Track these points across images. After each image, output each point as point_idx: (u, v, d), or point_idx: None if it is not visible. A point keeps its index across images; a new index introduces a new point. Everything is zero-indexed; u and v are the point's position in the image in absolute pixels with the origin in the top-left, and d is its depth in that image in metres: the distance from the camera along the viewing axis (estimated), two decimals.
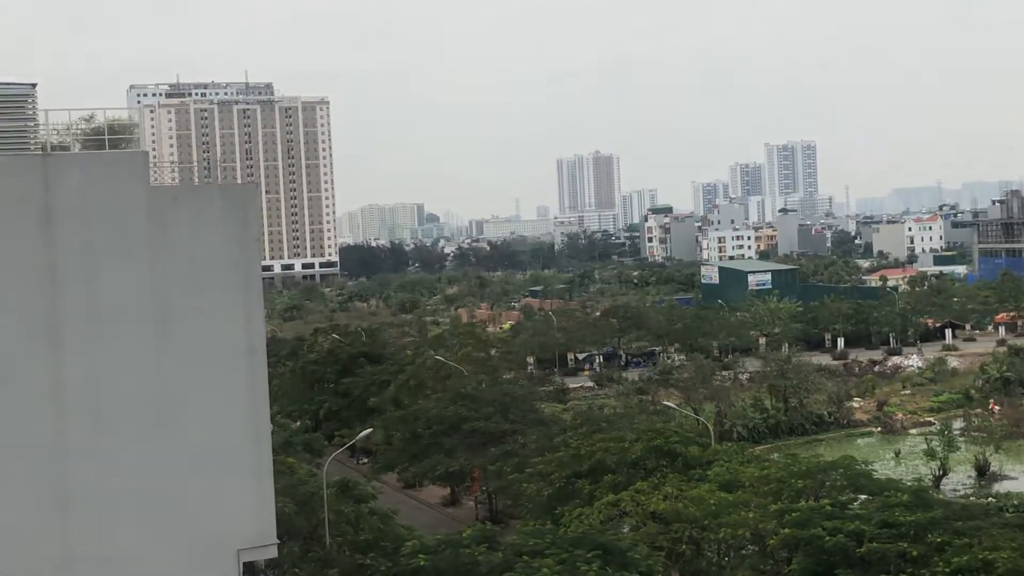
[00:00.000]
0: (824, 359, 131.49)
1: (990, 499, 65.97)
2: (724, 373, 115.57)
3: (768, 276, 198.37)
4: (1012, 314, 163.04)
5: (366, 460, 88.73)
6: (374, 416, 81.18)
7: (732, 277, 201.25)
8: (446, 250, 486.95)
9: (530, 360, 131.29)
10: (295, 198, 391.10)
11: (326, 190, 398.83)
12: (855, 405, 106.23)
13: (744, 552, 52.61)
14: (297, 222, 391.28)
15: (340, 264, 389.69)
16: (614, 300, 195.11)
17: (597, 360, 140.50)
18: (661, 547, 48.83)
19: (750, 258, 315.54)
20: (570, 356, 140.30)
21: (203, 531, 33.04)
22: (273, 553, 35.72)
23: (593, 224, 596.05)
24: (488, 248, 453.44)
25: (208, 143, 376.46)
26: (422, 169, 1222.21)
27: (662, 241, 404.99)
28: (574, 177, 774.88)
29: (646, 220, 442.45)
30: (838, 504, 47.24)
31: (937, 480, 75.57)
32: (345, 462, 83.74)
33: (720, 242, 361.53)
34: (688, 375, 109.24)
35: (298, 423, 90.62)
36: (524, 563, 34.48)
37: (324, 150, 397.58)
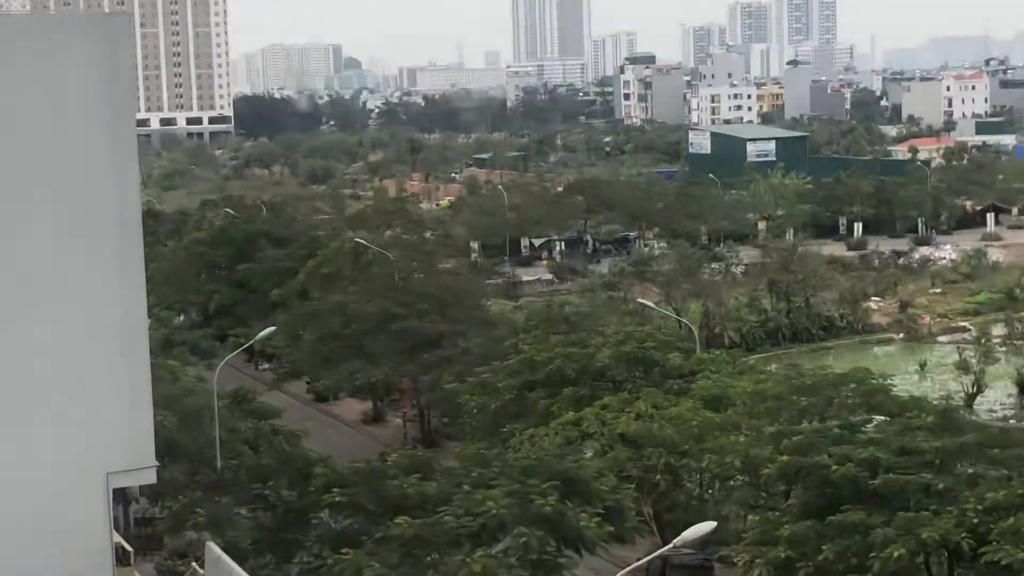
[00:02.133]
0: (837, 249, 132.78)
1: None
2: (714, 265, 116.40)
3: (772, 145, 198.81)
4: None
5: (267, 366, 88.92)
6: (278, 311, 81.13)
7: (727, 146, 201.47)
8: (369, 105, 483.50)
9: (474, 246, 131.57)
10: (177, 35, 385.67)
11: (217, 25, 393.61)
12: (873, 306, 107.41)
13: (732, 484, 53.50)
14: (180, 65, 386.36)
15: (235, 120, 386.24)
16: (580, 173, 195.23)
17: (557, 248, 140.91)
18: (631, 476, 49.60)
19: (750, 122, 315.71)
20: (524, 242, 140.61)
21: (63, 451, 33.20)
22: (151, 478, 35.98)
23: (556, 76, 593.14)
24: (423, 103, 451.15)
25: None
26: (341, 2, 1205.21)
27: (641, 99, 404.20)
28: (533, 15, 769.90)
29: (622, 72, 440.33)
30: (848, 426, 48.05)
31: (970, 399, 76.92)
32: (241, 368, 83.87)
33: (714, 101, 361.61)
34: (670, 267, 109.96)
35: (182, 317, 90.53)
36: (465, 495, 34.90)
37: None
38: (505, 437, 54.07)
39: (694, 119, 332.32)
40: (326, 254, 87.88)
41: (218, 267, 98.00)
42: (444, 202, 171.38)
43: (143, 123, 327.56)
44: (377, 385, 75.42)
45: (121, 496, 42.54)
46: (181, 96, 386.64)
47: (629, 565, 38.46)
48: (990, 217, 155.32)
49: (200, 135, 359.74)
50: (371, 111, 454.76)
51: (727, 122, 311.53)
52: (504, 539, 33.89)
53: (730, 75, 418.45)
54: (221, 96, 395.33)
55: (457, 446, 57.07)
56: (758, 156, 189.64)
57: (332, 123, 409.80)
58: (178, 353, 73.15)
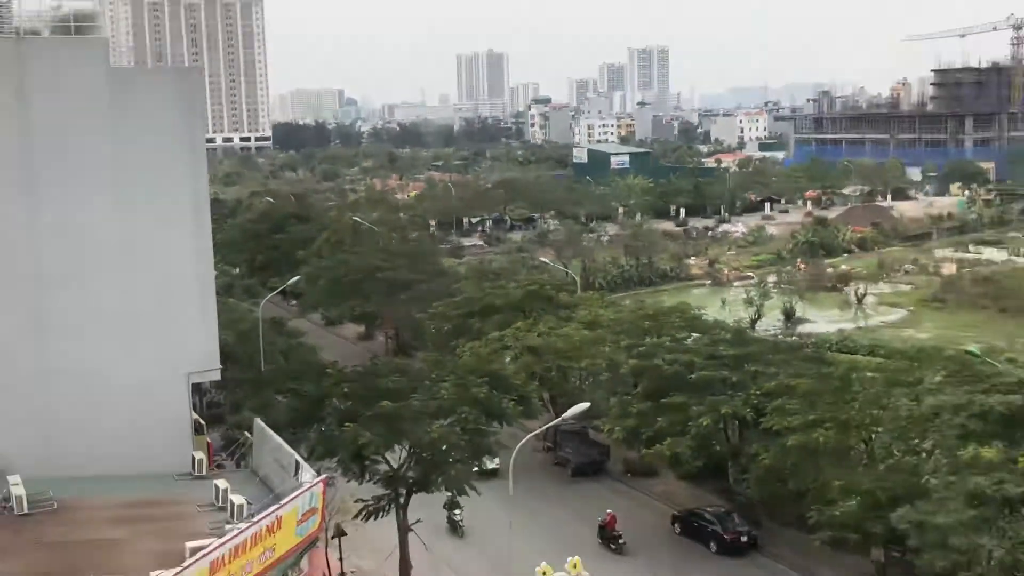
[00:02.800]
0: (669, 226, 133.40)
1: (793, 338, 68.37)
2: (589, 236, 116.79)
3: (627, 158, 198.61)
4: (818, 192, 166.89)
5: (295, 303, 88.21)
6: (301, 266, 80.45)
7: (598, 158, 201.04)
8: (362, 129, 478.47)
9: (432, 223, 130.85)
10: (234, 81, 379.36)
11: (260, 75, 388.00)
12: (691, 262, 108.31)
13: (600, 378, 53.93)
14: (236, 102, 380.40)
15: (272, 139, 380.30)
16: (502, 175, 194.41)
17: (487, 224, 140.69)
18: (535, 374, 49.82)
19: (613, 142, 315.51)
20: (465, 220, 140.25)
21: (159, 356, 33.02)
22: (217, 376, 35.82)
23: (486, 111, 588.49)
24: (398, 128, 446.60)
25: (160, 32, 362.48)
26: (344, 59, 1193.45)
27: (542, 127, 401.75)
28: (471, 71, 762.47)
29: (529, 109, 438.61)
30: (675, 340, 48.50)
31: (753, 322, 77.81)
32: (277, 304, 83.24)
33: (589, 128, 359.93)
34: (560, 237, 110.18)
35: (237, 270, 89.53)
36: (427, 387, 34.92)
37: (258, 41, 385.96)
38: (453, 349, 54.13)
39: (576, 140, 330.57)
40: (334, 228, 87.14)
41: (261, 237, 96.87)
42: (412, 194, 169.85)
43: (210, 140, 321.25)
44: (368, 315, 75.23)
45: (197, 388, 42.14)
46: (237, 121, 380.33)
47: (533, 431, 38.70)
48: (767, 205, 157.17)
49: (249, 149, 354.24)
50: (363, 133, 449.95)
51: (598, 142, 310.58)
52: (453, 416, 33.94)
53: (600, 111, 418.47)
54: (263, 122, 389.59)
55: (422, 355, 57.00)
56: (618, 165, 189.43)
57: (338, 141, 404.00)
58: (235, 294, 72.44)
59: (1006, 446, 30.57)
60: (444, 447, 32.56)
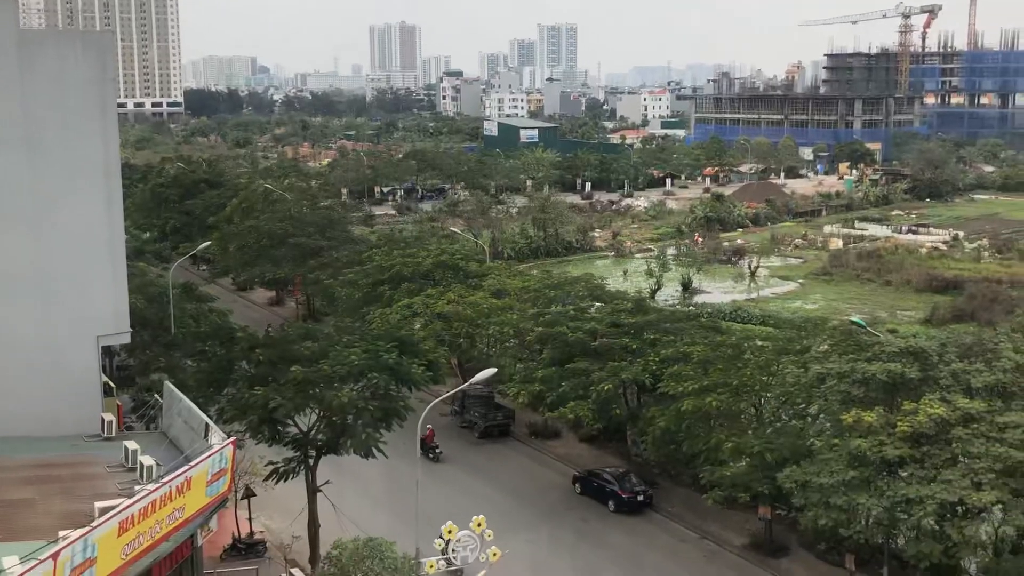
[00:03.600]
0: (575, 199, 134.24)
1: (690, 307, 69.63)
2: (498, 207, 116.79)
3: (535, 132, 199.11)
4: (716, 169, 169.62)
5: (205, 267, 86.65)
6: (212, 231, 78.94)
7: (507, 131, 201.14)
8: (275, 97, 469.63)
9: (344, 191, 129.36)
10: (146, 46, 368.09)
11: (173, 41, 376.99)
12: (596, 234, 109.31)
13: (507, 344, 54.25)
14: (148, 67, 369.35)
15: (184, 105, 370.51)
16: (413, 145, 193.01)
17: (398, 193, 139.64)
18: (444, 340, 49.89)
19: (523, 116, 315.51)
20: (376, 189, 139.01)
21: (68, 317, 32.22)
22: (127, 339, 35.05)
23: (398, 82, 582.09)
24: (311, 97, 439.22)
25: None
26: (257, 27, 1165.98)
27: (454, 99, 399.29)
28: (384, 42, 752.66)
29: (441, 81, 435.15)
30: (579, 309, 49.01)
31: (653, 292, 79.02)
32: (188, 268, 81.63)
33: (499, 102, 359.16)
34: (470, 208, 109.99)
35: (148, 235, 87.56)
36: (337, 352, 34.66)
37: (171, 6, 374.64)
38: (364, 315, 53.83)
39: (487, 113, 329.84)
40: (246, 195, 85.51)
41: (172, 202, 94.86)
42: (324, 162, 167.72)
43: (121, 105, 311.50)
44: (279, 280, 74.24)
45: (107, 351, 41.20)
46: (149, 87, 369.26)
47: (441, 395, 38.80)
48: (668, 181, 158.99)
49: (161, 114, 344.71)
50: (276, 101, 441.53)
51: (508, 116, 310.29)
52: (362, 381, 33.80)
53: (510, 86, 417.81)
54: (175, 87, 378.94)
55: (332, 321, 56.55)
56: (527, 138, 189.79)
57: (250, 108, 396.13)
58: (145, 258, 70.81)
59: (886, 411, 31.67)
60: (354, 411, 32.43)
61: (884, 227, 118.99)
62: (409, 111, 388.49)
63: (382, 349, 34.76)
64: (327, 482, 34.48)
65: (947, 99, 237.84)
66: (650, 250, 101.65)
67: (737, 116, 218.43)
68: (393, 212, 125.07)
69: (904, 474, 30.76)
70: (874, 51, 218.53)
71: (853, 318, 45.05)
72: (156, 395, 36.98)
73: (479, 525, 26.81)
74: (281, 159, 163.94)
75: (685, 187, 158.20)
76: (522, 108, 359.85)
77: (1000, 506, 29.66)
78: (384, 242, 69.46)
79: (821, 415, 36.86)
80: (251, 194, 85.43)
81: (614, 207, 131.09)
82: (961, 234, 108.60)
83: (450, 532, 26.31)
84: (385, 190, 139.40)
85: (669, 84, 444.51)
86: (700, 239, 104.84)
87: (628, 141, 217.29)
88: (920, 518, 29.83)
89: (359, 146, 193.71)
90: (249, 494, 37.66)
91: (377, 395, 33.45)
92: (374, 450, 32.57)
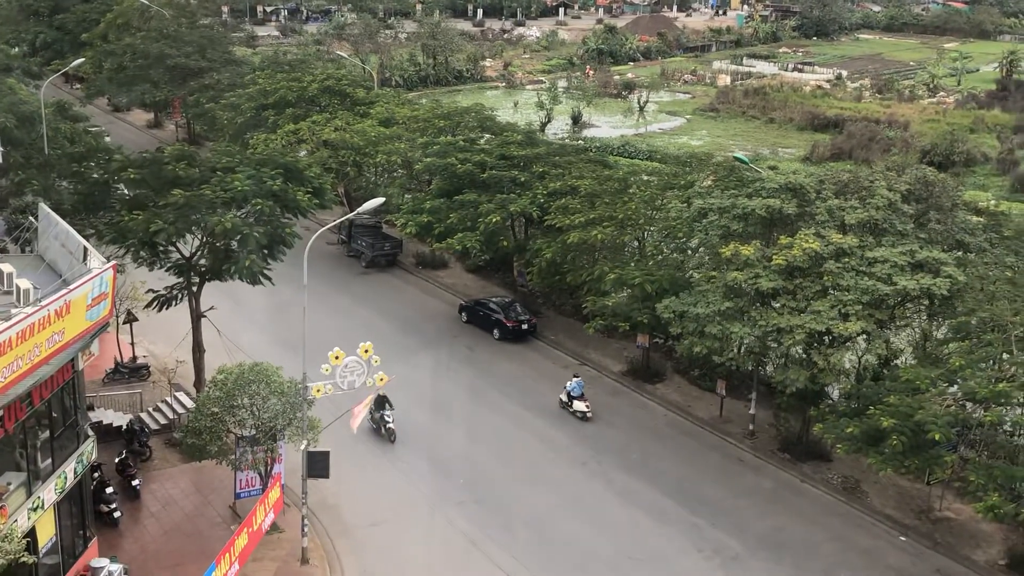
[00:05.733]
0: (466, 26, 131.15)
1: (579, 141, 69.87)
2: (387, 32, 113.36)
3: None
4: None
5: (79, 86, 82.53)
6: (86, 49, 74.78)
7: None
8: None
9: (224, 8, 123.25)
10: None
11: None
12: (487, 64, 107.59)
13: (395, 174, 53.78)
14: None
15: None
16: None
17: (283, 13, 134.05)
18: (331, 168, 49.04)
19: None
20: (259, 8, 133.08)
21: None
22: None
23: None
24: None
25: None
26: None
27: None
28: None
29: None
30: (469, 140, 48.60)
31: (543, 125, 78.87)
32: (61, 87, 77.80)
33: None
34: (358, 31, 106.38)
35: (16, 50, 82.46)
36: (219, 178, 33.68)
37: None
38: (246, 141, 52.28)
39: None
40: (120, 10, 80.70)
41: (42, 15, 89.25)
42: None
43: None
44: (158, 102, 71.31)
45: None
46: None
47: (328, 224, 38.45)
48: (562, 10, 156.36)
49: None
50: None
51: None
52: (246, 207, 33.08)
53: None
54: None
55: (212, 145, 54.77)
56: None
57: None
58: (15, 75, 66.82)
59: (763, 245, 32.72)
60: (238, 237, 31.83)
61: (771, 64, 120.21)
62: None
63: (267, 175, 33.92)
64: (211, 307, 34.20)
65: None
66: (541, 82, 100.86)
67: None
68: (277, 33, 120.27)
69: (777, 305, 32.10)
70: None
71: (736, 154, 45.84)
72: (31, 217, 35.62)
73: (366, 351, 27.10)
74: None
75: (578, 17, 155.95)
76: None
77: (864, 336, 31.35)
78: (267, 65, 66.91)
79: (701, 248, 37.92)
80: (126, 9, 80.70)
81: (505, 36, 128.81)
82: (844, 73, 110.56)
83: (337, 358, 26.54)
84: (268, 9, 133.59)
85: None
86: (591, 72, 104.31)
87: None
88: (790, 346, 31.37)
89: None
90: (131, 319, 37.20)
91: (261, 221, 32.85)
92: (260, 277, 32.23)
